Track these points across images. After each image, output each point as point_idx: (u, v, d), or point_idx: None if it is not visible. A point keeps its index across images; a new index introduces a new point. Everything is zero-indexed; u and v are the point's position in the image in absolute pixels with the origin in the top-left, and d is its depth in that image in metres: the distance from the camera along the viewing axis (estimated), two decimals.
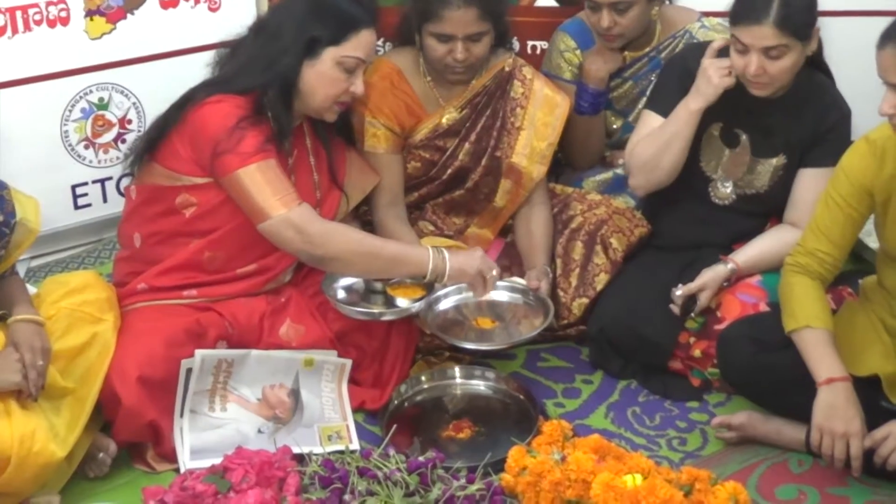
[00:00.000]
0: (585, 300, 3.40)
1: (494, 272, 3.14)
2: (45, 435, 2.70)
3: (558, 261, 3.47)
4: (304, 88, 3.05)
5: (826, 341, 2.83)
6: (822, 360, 2.80)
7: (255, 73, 3.04)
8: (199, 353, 2.97)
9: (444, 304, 3.24)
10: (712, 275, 3.23)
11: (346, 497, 2.69)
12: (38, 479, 2.75)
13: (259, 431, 3.00)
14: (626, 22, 3.51)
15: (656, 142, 3.30)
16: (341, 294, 3.16)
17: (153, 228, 3.11)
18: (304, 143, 3.20)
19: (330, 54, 3.01)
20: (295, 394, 3.11)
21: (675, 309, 3.24)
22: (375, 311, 3.12)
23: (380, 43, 3.94)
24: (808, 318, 2.86)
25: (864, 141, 2.88)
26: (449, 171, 3.53)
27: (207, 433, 2.99)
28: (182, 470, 2.90)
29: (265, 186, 2.96)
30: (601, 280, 3.40)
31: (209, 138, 2.97)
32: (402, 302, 3.12)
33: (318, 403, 3.12)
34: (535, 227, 3.50)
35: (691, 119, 3.23)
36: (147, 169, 3.11)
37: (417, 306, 3.11)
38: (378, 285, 3.17)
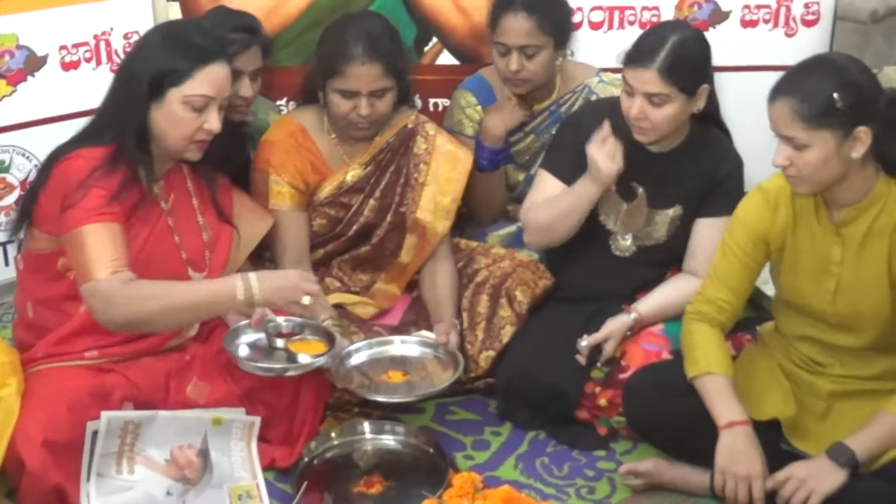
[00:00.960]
0: (492, 353, 3.41)
1: (315, 289, 3.00)
2: None
3: (464, 314, 3.48)
4: (156, 132, 2.98)
5: (726, 386, 2.87)
6: (722, 404, 2.84)
7: (110, 123, 3.00)
8: (105, 414, 2.91)
9: (356, 359, 3.25)
10: (616, 325, 3.26)
11: None
12: None
13: (168, 493, 2.95)
14: (534, 67, 3.57)
15: (553, 211, 3.34)
16: (244, 351, 3.10)
17: (42, 295, 3.07)
18: (184, 186, 3.16)
19: (174, 94, 2.94)
20: (204, 453, 3.06)
21: (581, 359, 3.26)
22: (278, 367, 3.06)
23: (282, 102, 3.98)
24: (708, 364, 2.91)
25: (758, 190, 2.93)
26: (354, 227, 3.54)
27: (116, 496, 2.93)
28: None
29: (95, 249, 2.88)
30: (507, 332, 3.41)
31: (61, 195, 2.94)
32: (304, 358, 3.08)
33: (227, 462, 3.07)
34: (441, 281, 3.52)
35: (590, 199, 3.29)
36: (28, 235, 3.07)
37: (320, 361, 3.07)
38: (279, 342, 3.12)
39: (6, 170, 3.64)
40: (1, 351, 2.98)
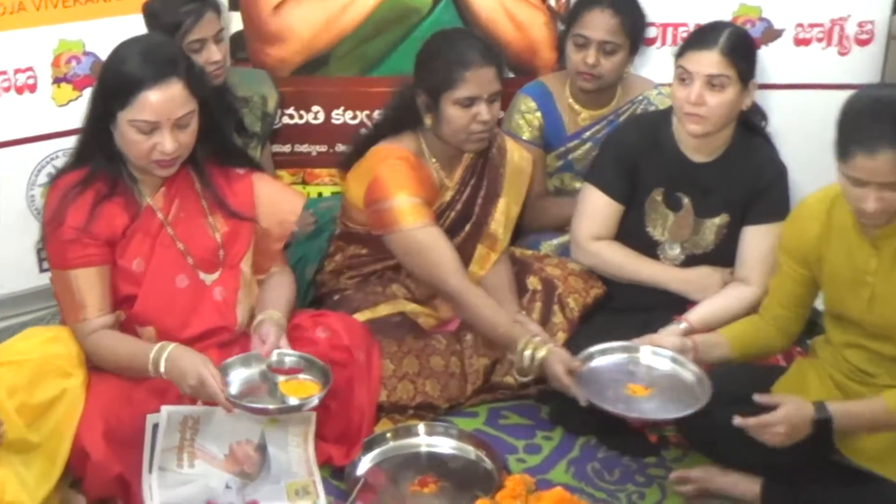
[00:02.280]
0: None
1: (219, 392, 2.86)
2: (15, 487, 2.71)
3: None
4: (120, 150, 2.99)
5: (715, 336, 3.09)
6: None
7: (82, 145, 3.05)
8: (164, 408, 2.96)
9: (599, 362, 3.14)
10: (667, 335, 3.23)
11: None
12: None
13: (227, 487, 2.99)
14: (609, 65, 3.64)
15: (607, 266, 3.49)
16: (234, 388, 2.99)
17: None
18: (190, 189, 3.15)
19: (122, 118, 2.91)
20: (262, 449, 3.09)
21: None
22: (271, 407, 2.96)
23: (339, 111, 4.04)
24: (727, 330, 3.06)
25: (789, 219, 2.99)
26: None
27: (176, 489, 2.98)
28: None
29: (67, 296, 3.00)
30: (559, 339, 3.43)
31: (44, 223, 3.02)
32: (292, 400, 2.94)
33: (284, 458, 3.10)
34: (501, 282, 3.54)
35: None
36: None
37: (311, 404, 2.96)
38: (281, 378, 3.02)
39: None
40: (67, 343, 3.04)
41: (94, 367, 3.05)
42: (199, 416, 3.03)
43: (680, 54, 3.24)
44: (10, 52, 3.50)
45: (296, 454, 3.13)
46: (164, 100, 2.90)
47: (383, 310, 3.54)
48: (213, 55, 3.44)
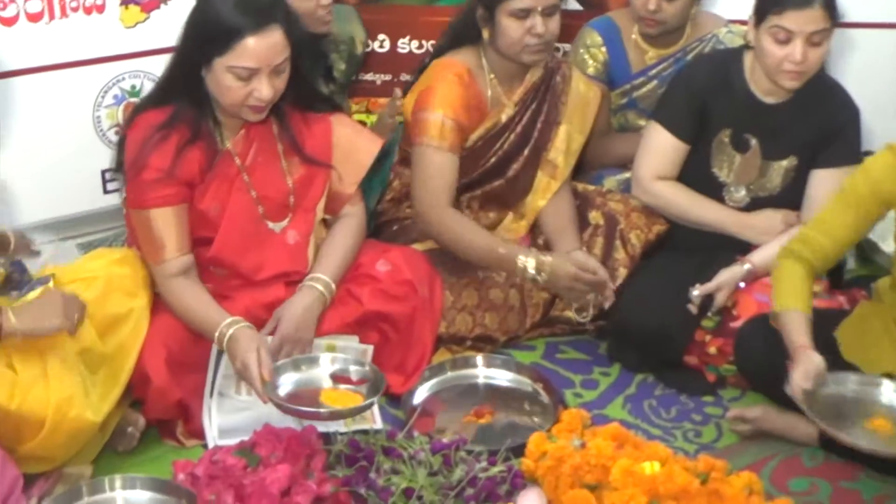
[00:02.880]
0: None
1: (257, 381, 2.88)
2: (81, 401, 2.75)
3: None
4: (212, 95, 3.01)
5: (803, 320, 2.91)
6: (795, 332, 2.88)
7: (170, 85, 3.06)
8: None
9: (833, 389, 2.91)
10: (729, 275, 3.29)
11: (372, 475, 2.74)
12: (71, 445, 2.80)
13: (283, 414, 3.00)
14: (673, 10, 3.59)
15: (669, 207, 3.49)
16: (284, 390, 2.96)
17: None
18: (269, 133, 3.16)
19: (219, 63, 2.92)
20: None
21: (693, 308, 3.28)
22: (323, 411, 2.90)
23: (405, 40, 4.04)
24: (795, 301, 2.95)
25: (889, 151, 2.91)
26: (492, 160, 3.56)
27: (234, 415, 3.05)
28: (210, 447, 2.95)
29: (148, 235, 3.01)
30: (621, 274, 3.46)
31: (126, 166, 3.04)
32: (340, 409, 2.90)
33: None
34: (562, 210, 3.57)
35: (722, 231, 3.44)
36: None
37: (359, 410, 2.94)
38: (342, 387, 2.99)
39: (137, 94, 3.67)
40: (134, 264, 3.09)
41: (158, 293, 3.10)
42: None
43: (777, 12, 3.15)
44: None
45: None
46: (265, 46, 2.90)
47: None
48: None
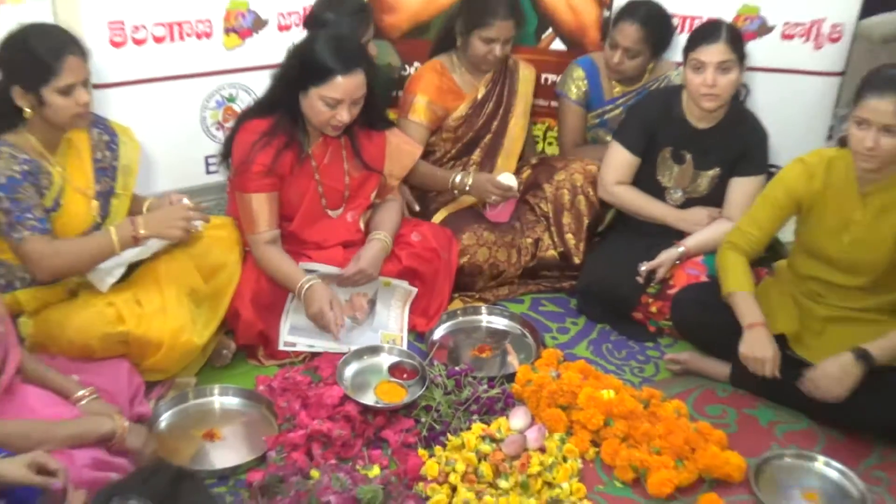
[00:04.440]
0: (582, 244, 3.54)
1: (332, 324, 2.96)
2: (191, 329, 2.78)
3: (550, 206, 3.57)
4: (305, 113, 3.00)
5: (750, 299, 2.88)
6: (747, 311, 2.86)
7: (274, 100, 3.03)
8: (302, 265, 3.03)
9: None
10: (668, 255, 3.27)
11: None
12: (182, 361, 2.84)
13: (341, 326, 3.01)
14: (633, 65, 3.56)
15: (625, 204, 3.46)
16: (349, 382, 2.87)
17: None
18: (339, 144, 3.15)
19: (314, 92, 2.91)
20: (372, 303, 3.15)
21: (640, 279, 3.27)
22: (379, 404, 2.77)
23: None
24: (739, 284, 2.92)
25: (799, 162, 2.88)
26: (481, 120, 3.65)
27: (303, 318, 3.05)
28: (280, 343, 2.99)
29: (250, 213, 3.00)
30: (585, 222, 3.55)
31: (235, 160, 3.03)
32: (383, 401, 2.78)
33: (386, 315, 3.16)
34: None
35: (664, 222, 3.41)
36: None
37: (401, 403, 2.79)
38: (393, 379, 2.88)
39: (233, 101, 3.65)
40: (230, 229, 3.11)
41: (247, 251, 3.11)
42: (332, 274, 3.09)
43: (691, 49, 3.16)
44: (193, 6, 3.47)
45: (394, 314, 3.19)
46: (351, 84, 2.91)
47: (452, 207, 3.61)
48: (371, 48, 3.38)
